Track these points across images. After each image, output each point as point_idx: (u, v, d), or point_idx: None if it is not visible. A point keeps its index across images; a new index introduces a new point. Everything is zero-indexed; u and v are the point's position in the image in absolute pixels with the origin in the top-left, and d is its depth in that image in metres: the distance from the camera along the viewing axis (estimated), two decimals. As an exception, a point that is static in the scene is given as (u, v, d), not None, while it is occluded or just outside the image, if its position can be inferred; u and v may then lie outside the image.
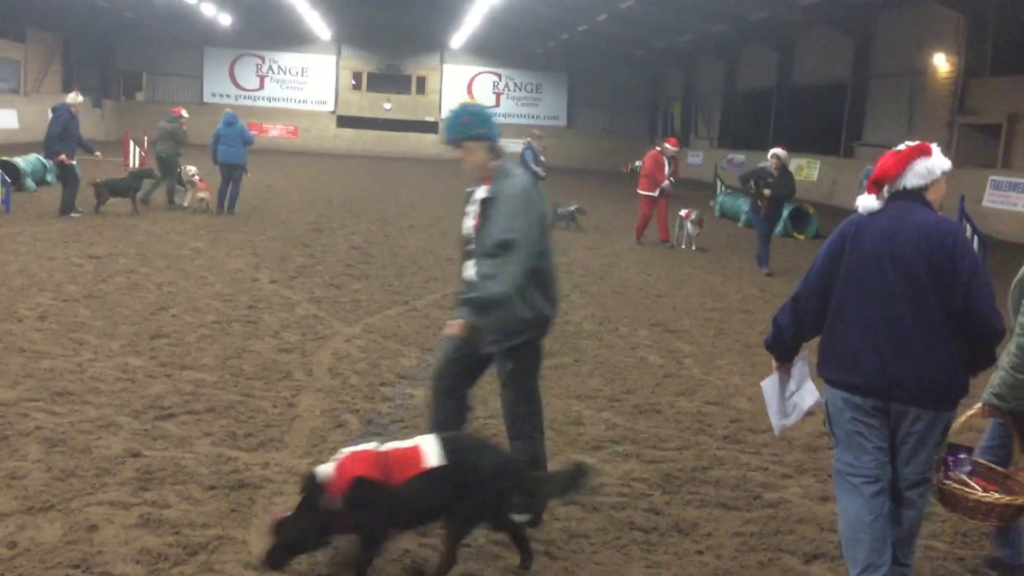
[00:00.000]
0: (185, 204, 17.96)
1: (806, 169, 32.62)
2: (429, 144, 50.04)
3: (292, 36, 48.41)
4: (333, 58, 50.22)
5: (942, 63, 26.26)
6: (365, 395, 6.82)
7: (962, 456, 4.32)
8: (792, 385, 4.37)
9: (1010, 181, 22.61)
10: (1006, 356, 4.18)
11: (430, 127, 50.96)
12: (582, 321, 9.96)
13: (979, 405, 4.33)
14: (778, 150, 14.37)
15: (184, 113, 18.92)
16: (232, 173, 17.58)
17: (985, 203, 22.73)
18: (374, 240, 15.47)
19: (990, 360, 3.99)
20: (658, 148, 17.06)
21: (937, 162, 4.09)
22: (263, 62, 49.80)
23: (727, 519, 4.96)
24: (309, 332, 8.67)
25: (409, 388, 7.06)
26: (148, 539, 4.32)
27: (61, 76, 41.99)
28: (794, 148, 35.11)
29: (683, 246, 16.76)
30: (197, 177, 17.93)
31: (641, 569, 4.38)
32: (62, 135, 15.33)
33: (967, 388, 3.93)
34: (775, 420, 4.48)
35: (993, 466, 4.42)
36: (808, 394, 4.36)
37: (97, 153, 16.45)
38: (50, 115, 15.85)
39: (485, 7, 36.26)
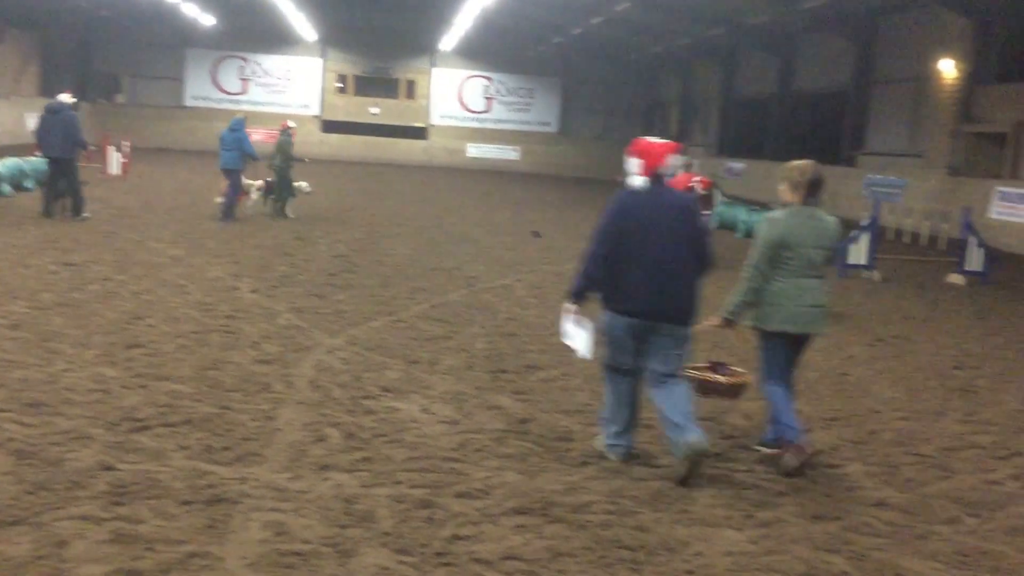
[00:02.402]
0: (290, 215, 18.78)
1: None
2: (418, 150, 50.14)
3: (276, 38, 48.50)
4: (319, 61, 50.31)
5: (947, 69, 26.41)
6: (347, 408, 6.84)
7: (719, 364, 6.73)
8: (585, 321, 6.01)
9: (1018, 192, 22.73)
10: (738, 284, 6.20)
11: (419, 133, 51.06)
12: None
13: (717, 318, 6.33)
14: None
15: (291, 124, 19.62)
16: (230, 179, 17.84)
17: (991, 214, 22.86)
18: (359, 249, 15.50)
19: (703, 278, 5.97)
20: (693, 181, 15.41)
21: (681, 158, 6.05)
22: (246, 64, 49.85)
23: (718, 538, 4.99)
24: (290, 343, 8.69)
25: (393, 401, 7.08)
26: (120, 555, 4.33)
27: (39, 78, 41.98)
28: (793, 157, 35.28)
29: None
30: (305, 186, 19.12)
31: (629, 588, 4.41)
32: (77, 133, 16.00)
33: (699, 311, 5.93)
34: (582, 350, 6.04)
35: (735, 368, 6.72)
36: (588, 322, 6.03)
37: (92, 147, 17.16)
38: (39, 116, 16.36)
39: (477, 9, 36.38)
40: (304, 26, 46.01)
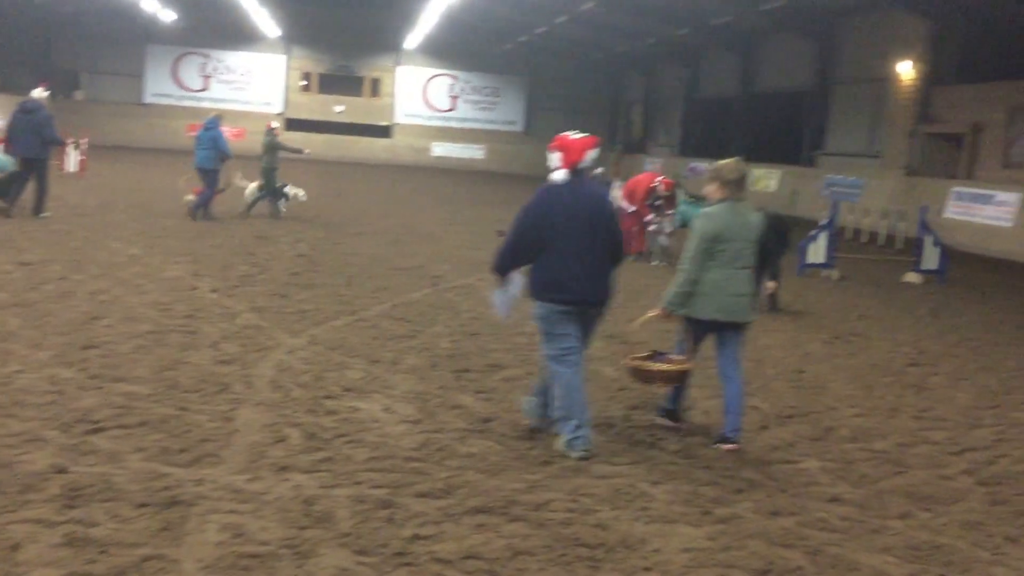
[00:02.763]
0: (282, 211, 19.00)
1: (766, 179, 33.03)
2: (382, 149, 49.98)
3: (239, 34, 48.15)
4: (282, 58, 50.02)
5: (905, 71, 26.75)
6: (308, 408, 6.81)
7: (660, 353, 6.97)
8: (510, 287, 6.44)
9: (974, 192, 23.07)
10: (677, 276, 6.59)
11: (383, 131, 50.90)
12: (535, 332, 9.98)
13: (658, 310, 6.72)
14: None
15: (275, 125, 19.76)
16: (204, 177, 17.81)
17: (947, 214, 23.18)
18: (322, 248, 15.43)
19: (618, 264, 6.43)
20: (656, 181, 16.10)
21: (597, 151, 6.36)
22: (208, 61, 49.46)
23: (676, 534, 5.03)
24: (250, 343, 8.63)
25: (355, 401, 7.06)
26: (74, 559, 4.28)
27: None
28: (755, 157, 35.61)
29: (655, 262, 15.95)
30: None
31: (587, 586, 4.43)
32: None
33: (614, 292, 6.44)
34: (502, 312, 6.59)
35: (675, 356, 6.87)
36: (517, 279, 6.43)
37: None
38: (11, 114, 16.23)
39: (442, 7, 36.35)
40: (267, 23, 45.72)
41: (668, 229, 16.15)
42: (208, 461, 5.62)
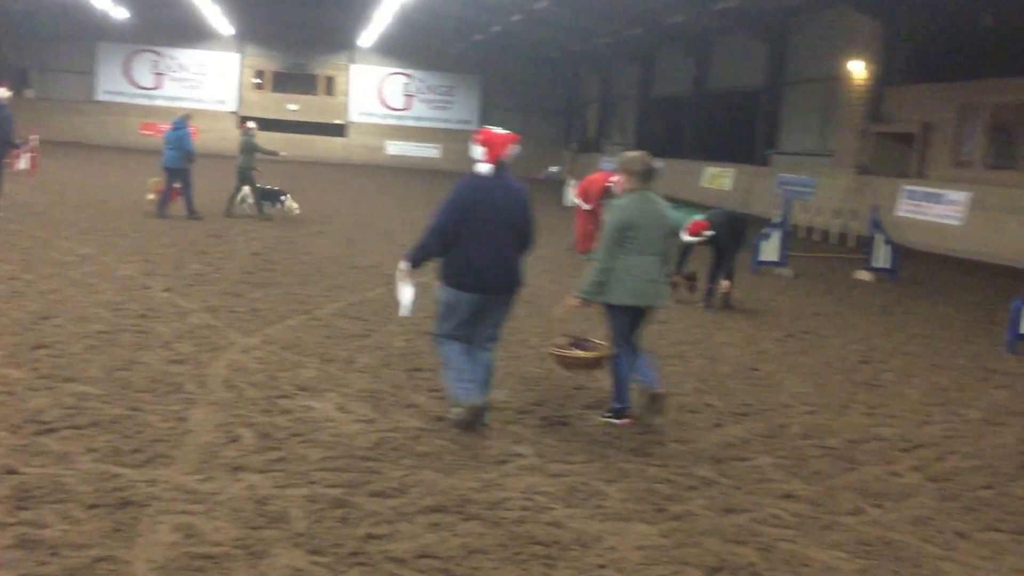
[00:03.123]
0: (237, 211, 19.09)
1: (720, 177, 33.31)
2: (337, 147, 49.71)
3: (191, 32, 47.66)
4: (236, 56, 49.57)
5: (857, 70, 27.07)
6: (262, 408, 6.76)
7: (582, 340, 7.38)
8: (412, 284, 6.69)
9: (923, 190, 23.43)
10: (591, 266, 6.85)
11: (338, 130, 50.62)
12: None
13: (575, 299, 6.95)
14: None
15: (252, 125, 19.66)
16: (171, 177, 17.86)
17: (898, 212, 23.52)
18: (276, 247, 15.32)
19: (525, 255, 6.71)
20: (611, 180, 15.64)
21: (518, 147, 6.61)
22: (160, 59, 48.90)
23: (631, 532, 5.06)
24: (203, 343, 8.55)
25: (309, 400, 7.02)
26: (25, 561, 4.22)
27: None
28: (709, 156, 35.92)
29: None
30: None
31: (542, 584, 4.45)
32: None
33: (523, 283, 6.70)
34: (405, 307, 6.71)
35: (596, 341, 7.28)
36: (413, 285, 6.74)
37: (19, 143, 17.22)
38: None
39: (396, 5, 36.19)
40: (220, 20, 45.26)
41: None
42: (160, 461, 5.56)
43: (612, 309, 6.89)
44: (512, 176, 6.68)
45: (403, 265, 6.66)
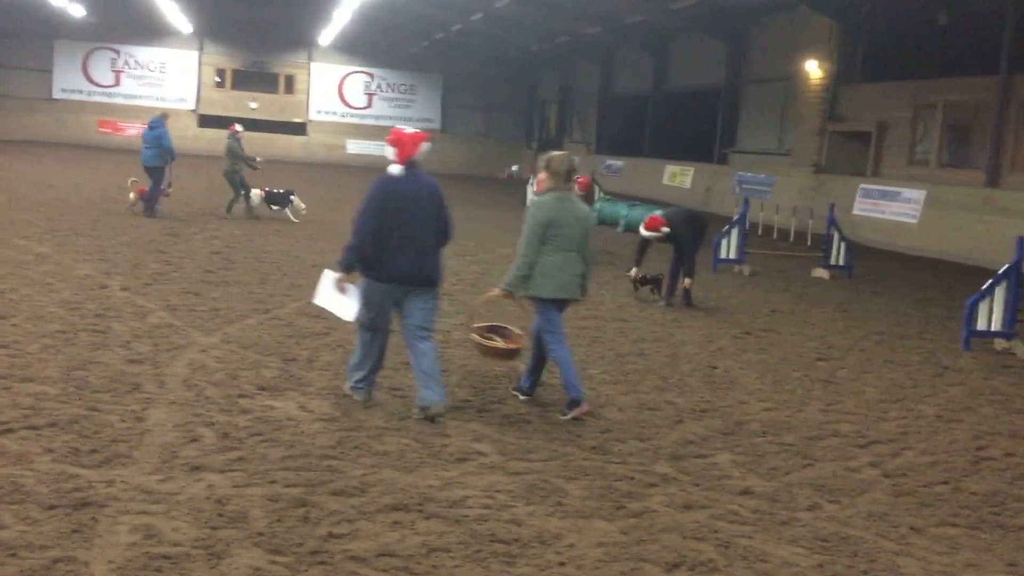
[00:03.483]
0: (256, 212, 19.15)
1: (680, 176, 33.49)
2: (297, 146, 49.36)
3: (150, 30, 47.10)
4: (195, 54, 49.06)
5: (814, 70, 27.31)
6: (222, 408, 6.71)
7: (501, 327, 7.90)
8: (351, 288, 7.01)
9: (879, 189, 23.71)
10: (516, 260, 7.17)
11: (299, 128, 50.28)
12: (451, 330, 10.02)
13: (498, 290, 7.30)
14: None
15: (239, 128, 19.53)
16: (150, 175, 18.00)
17: (855, 211, 23.78)
18: (236, 245, 15.20)
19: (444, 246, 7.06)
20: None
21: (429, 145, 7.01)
22: (119, 56, 48.29)
23: (590, 529, 5.08)
24: (163, 342, 8.47)
25: (270, 400, 6.98)
26: (-22, 565, 4.17)
27: None
28: (669, 155, 36.10)
29: None
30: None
31: (503, 581, 4.46)
32: None
33: (443, 276, 7.14)
34: (345, 313, 7.10)
35: (515, 331, 7.75)
36: (353, 289, 7.03)
37: None
38: None
39: (355, 3, 35.99)
40: (179, 18, 44.78)
41: None
42: (119, 462, 5.51)
43: (541, 302, 7.21)
44: (424, 173, 7.01)
45: (337, 274, 7.04)
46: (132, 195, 18.30)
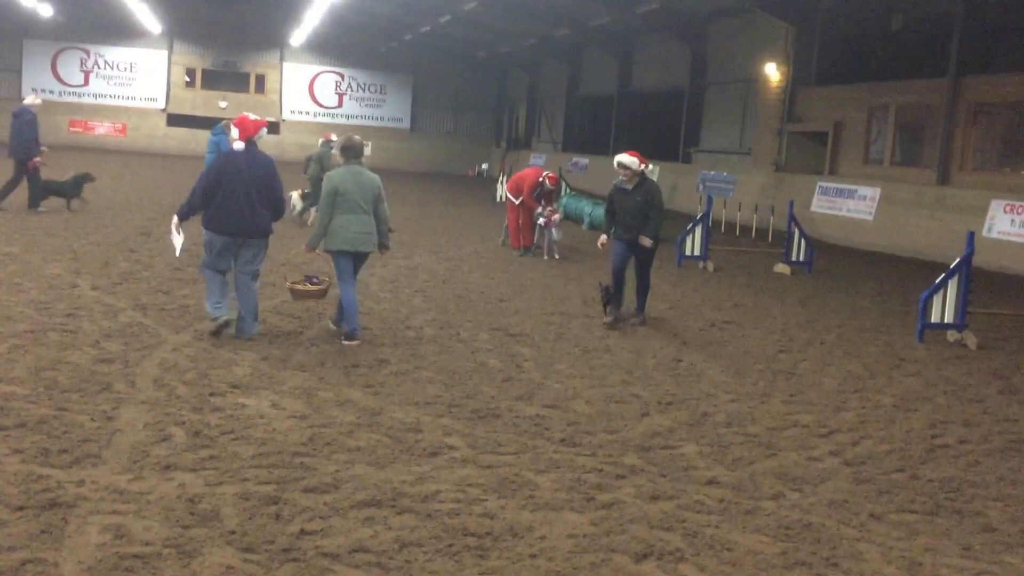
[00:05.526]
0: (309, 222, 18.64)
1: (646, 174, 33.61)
2: (270, 145, 48.89)
3: (120, 29, 46.47)
4: (164, 53, 48.49)
5: (772, 72, 27.49)
6: (193, 406, 6.61)
7: (311, 276, 9.98)
8: (181, 232, 8.85)
9: (836, 187, 23.89)
10: (315, 224, 9.28)
11: (270, 128, 49.84)
12: (423, 326, 9.95)
13: (305, 248, 9.11)
14: (625, 157, 10.99)
15: (334, 137, 19.15)
16: None
17: (813, 208, 23.95)
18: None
19: (279, 215, 8.91)
20: (542, 176, 16.19)
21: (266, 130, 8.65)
22: (88, 56, 47.62)
23: (561, 521, 5.05)
24: (133, 341, 8.34)
25: (242, 398, 6.88)
26: (-54, 567, 4.06)
27: None
28: (635, 152, 36.22)
29: (546, 256, 16.04)
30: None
31: (474, 575, 4.41)
32: (32, 134, 16.93)
33: (271, 230, 8.75)
34: (178, 252, 9.30)
35: (323, 277, 9.88)
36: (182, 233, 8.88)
37: (44, 148, 17.86)
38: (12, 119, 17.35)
39: (325, 4, 35.75)
40: (148, 18, 44.22)
41: (557, 223, 16.19)
42: (89, 462, 5.40)
43: (333, 254, 8.87)
44: (260, 152, 8.69)
45: (175, 219, 8.74)
46: None
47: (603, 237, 11.13)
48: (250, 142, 8.58)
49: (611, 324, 10.58)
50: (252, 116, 8.75)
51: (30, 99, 18.09)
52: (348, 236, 8.70)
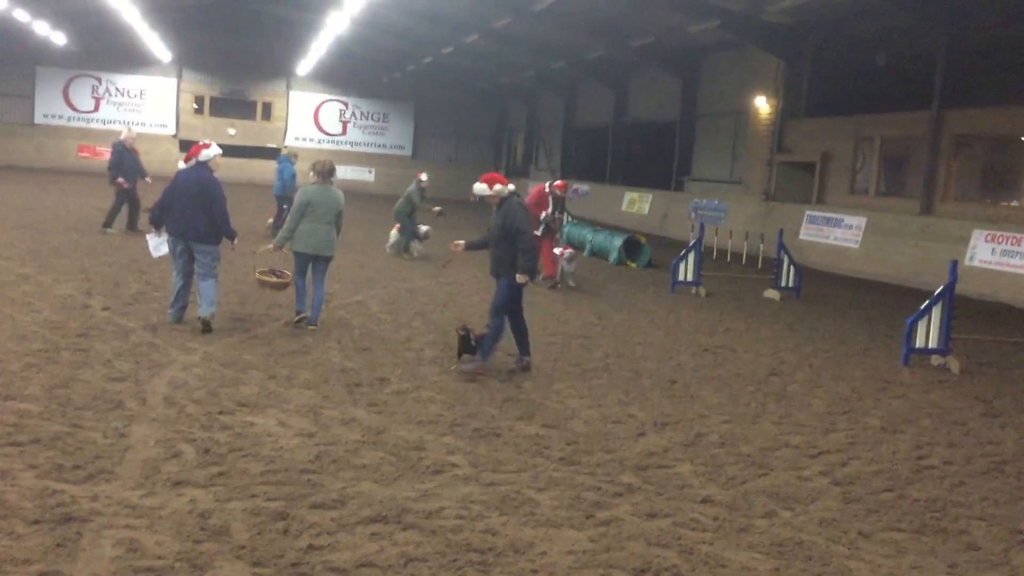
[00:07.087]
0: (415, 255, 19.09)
1: (638, 202, 33.68)
2: (274, 170, 48.96)
3: (131, 57, 46.63)
4: (174, 81, 48.67)
5: (762, 105, 27.67)
6: (202, 424, 6.61)
7: (276, 271, 10.77)
8: (161, 236, 10.10)
9: (824, 216, 23.99)
10: (283, 226, 10.33)
11: (275, 153, 49.93)
12: (424, 348, 9.97)
13: (272, 247, 10.33)
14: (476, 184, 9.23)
15: (424, 177, 19.88)
16: (280, 203, 20.41)
17: (802, 236, 24.03)
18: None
19: (220, 228, 9.84)
20: (546, 186, 16.05)
21: (213, 151, 9.95)
22: (100, 83, 47.76)
23: (560, 538, 5.05)
24: (144, 360, 8.35)
25: (250, 416, 6.89)
26: (-36, 578, 4.06)
27: None
28: (629, 182, 36.32)
29: (562, 285, 15.88)
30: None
31: (477, 590, 4.41)
32: (118, 164, 18.26)
33: (216, 240, 9.83)
34: (154, 253, 10.42)
35: (286, 272, 10.71)
36: (164, 243, 10.13)
37: (148, 179, 19.10)
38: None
39: (331, 36, 35.96)
40: (159, 46, 44.42)
41: (569, 258, 16.07)
42: (102, 477, 5.40)
43: (295, 254, 10.27)
44: (206, 171, 9.83)
45: (151, 228, 10.14)
46: (270, 220, 20.68)
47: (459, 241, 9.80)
48: (198, 163, 9.84)
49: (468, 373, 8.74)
50: (202, 142, 10.10)
51: (124, 133, 19.07)
52: (311, 241, 10.13)
